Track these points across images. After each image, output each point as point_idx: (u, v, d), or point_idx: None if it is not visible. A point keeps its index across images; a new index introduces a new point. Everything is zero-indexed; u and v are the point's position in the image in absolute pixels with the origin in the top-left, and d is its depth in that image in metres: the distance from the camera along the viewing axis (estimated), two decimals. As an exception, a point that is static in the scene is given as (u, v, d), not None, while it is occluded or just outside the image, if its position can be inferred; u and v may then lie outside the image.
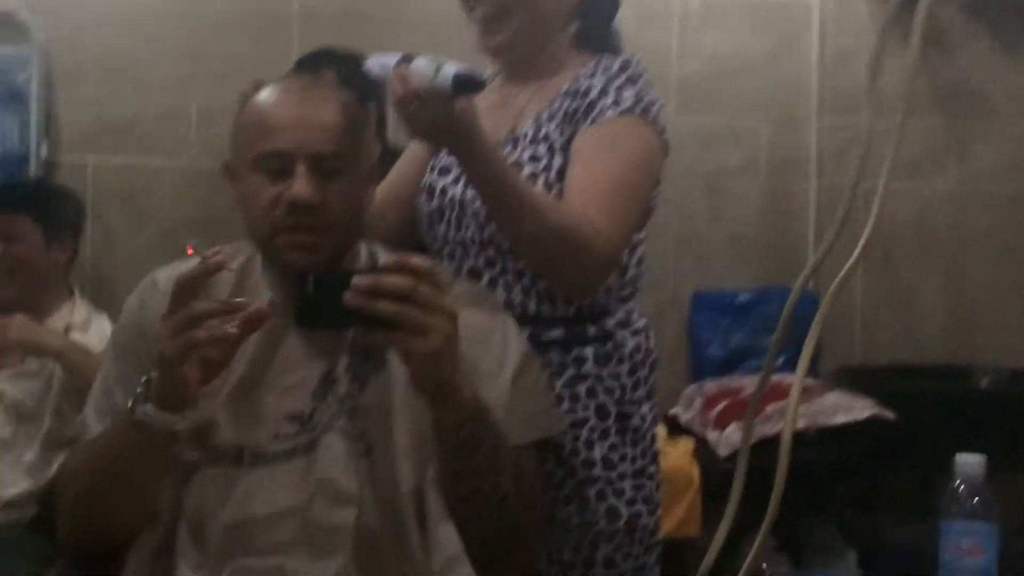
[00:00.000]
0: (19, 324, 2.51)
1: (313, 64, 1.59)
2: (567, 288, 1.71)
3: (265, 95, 1.52)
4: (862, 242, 0.99)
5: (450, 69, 1.45)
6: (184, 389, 1.32)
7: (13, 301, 2.62)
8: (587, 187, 1.65)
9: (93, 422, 1.53)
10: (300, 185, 1.45)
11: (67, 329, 2.57)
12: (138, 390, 1.34)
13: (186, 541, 1.45)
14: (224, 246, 1.62)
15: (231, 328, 1.29)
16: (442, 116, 1.49)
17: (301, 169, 1.46)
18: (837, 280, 0.99)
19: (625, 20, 1.86)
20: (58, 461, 2.42)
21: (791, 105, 3.66)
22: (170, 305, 1.32)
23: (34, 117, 3.27)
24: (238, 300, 1.32)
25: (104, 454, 1.43)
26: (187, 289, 1.31)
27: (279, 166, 1.47)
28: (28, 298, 2.62)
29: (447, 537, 1.42)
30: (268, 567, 1.41)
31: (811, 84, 3.66)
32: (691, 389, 3.43)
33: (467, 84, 1.46)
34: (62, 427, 2.41)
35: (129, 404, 1.35)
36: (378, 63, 1.53)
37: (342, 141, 1.49)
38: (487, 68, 1.78)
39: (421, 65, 1.47)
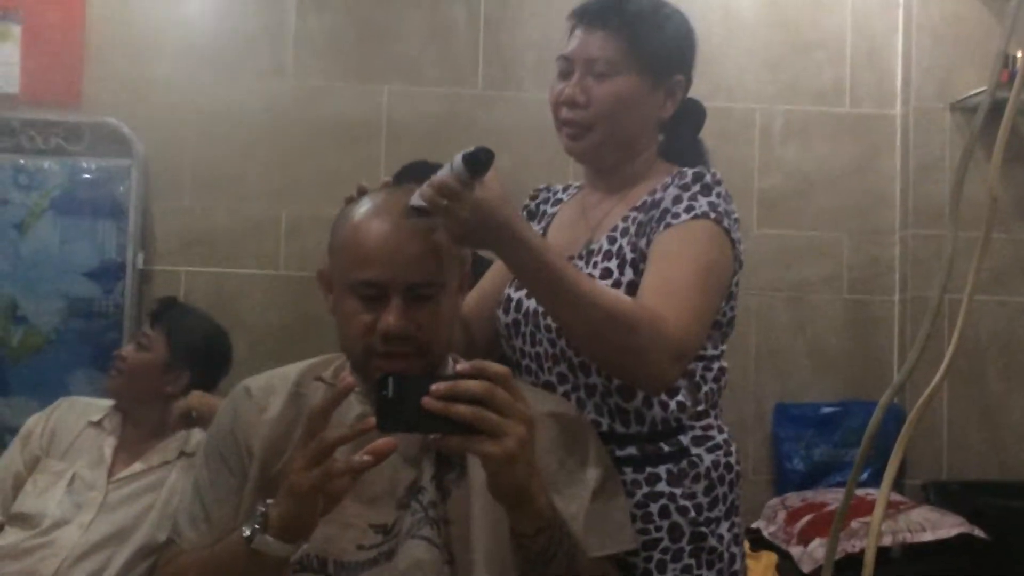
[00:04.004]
0: (198, 394, 2.57)
1: (409, 178, 1.61)
2: (634, 379, 1.64)
3: (362, 217, 1.54)
4: (948, 358, 0.99)
5: (458, 155, 1.48)
6: (311, 520, 1.32)
7: (122, 406, 2.65)
8: (656, 285, 1.62)
9: (186, 527, 1.55)
10: (394, 316, 1.48)
11: (180, 455, 2.61)
12: (256, 521, 1.34)
13: None
14: (317, 359, 1.66)
15: (364, 457, 1.29)
16: (469, 201, 1.47)
17: (395, 300, 1.49)
18: (923, 398, 0.99)
19: (707, 134, 1.88)
20: (145, 566, 2.45)
21: (873, 217, 3.67)
22: (303, 437, 1.32)
23: (131, 227, 3.38)
24: (363, 423, 1.30)
25: (212, 571, 1.44)
26: (319, 419, 1.32)
27: (373, 293, 1.50)
28: (137, 410, 2.66)
29: None
30: None
31: (894, 196, 3.67)
32: (774, 502, 3.38)
33: (476, 159, 1.47)
34: (156, 534, 2.43)
35: (247, 533, 1.34)
36: (416, 198, 1.54)
37: (435, 267, 1.52)
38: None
39: (439, 170, 1.50)
